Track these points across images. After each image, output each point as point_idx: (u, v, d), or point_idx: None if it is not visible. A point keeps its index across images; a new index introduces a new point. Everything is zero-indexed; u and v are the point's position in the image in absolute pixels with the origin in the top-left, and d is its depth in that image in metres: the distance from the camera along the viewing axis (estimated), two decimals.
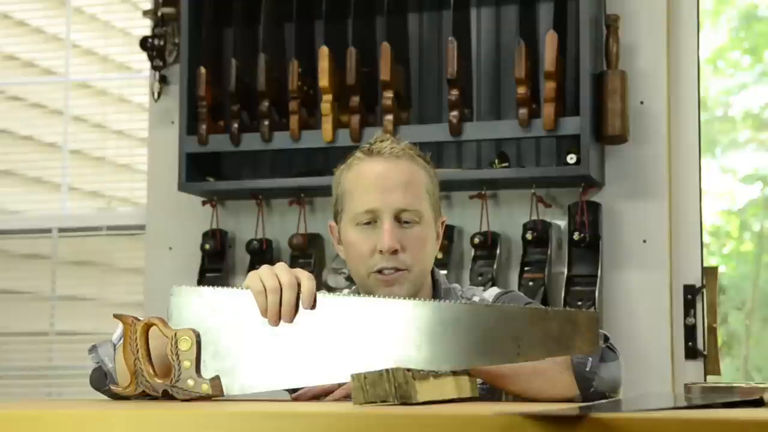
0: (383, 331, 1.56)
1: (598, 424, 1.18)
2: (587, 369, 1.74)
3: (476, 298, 1.99)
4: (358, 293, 1.99)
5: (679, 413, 1.27)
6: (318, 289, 1.62)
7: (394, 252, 1.87)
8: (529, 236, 3.21)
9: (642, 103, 3.25)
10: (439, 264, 3.10)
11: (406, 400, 1.42)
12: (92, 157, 3.99)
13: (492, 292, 2.01)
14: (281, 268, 1.63)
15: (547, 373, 1.71)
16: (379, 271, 1.88)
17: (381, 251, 1.87)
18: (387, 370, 1.44)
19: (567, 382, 1.74)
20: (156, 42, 3.56)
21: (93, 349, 1.89)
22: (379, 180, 1.89)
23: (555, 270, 3.23)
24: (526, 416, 1.18)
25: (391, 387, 1.43)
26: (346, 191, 1.93)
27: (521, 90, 3.10)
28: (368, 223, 1.89)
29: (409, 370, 1.44)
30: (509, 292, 2.02)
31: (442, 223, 2.00)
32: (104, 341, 1.89)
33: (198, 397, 1.63)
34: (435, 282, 2.00)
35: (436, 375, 1.48)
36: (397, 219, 1.88)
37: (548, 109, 3.07)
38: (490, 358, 1.51)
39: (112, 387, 1.71)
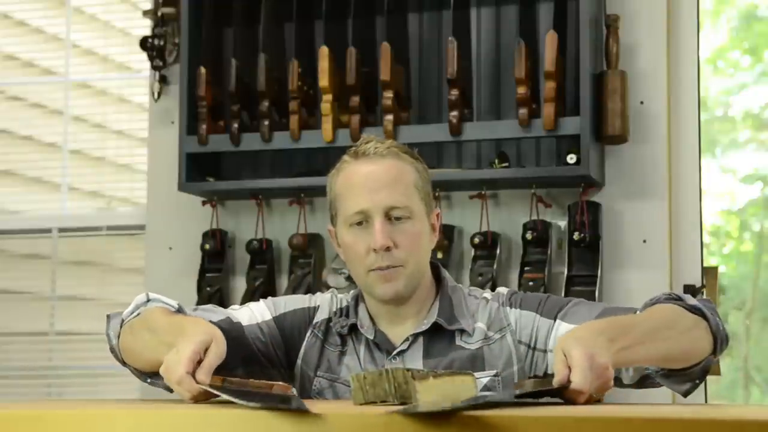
0: None
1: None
2: (721, 328, 1.80)
3: (486, 295, 2.00)
4: (358, 298, 2.00)
5: (699, 411, 1.27)
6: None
7: (387, 249, 1.89)
8: (529, 236, 3.21)
9: (642, 103, 3.25)
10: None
11: (405, 400, 1.42)
12: (92, 157, 3.99)
13: (503, 289, 2.01)
14: (174, 367, 1.62)
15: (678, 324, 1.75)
16: (376, 269, 1.90)
17: (375, 250, 1.89)
18: (387, 370, 1.44)
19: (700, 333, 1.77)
20: (156, 42, 3.56)
21: (108, 318, 1.93)
22: (367, 180, 1.91)
23: (555, 270, 3.23)
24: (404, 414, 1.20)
25: (391, 387, 1.43)
26: (337, 195, 1.96)
27: (521, 90, 3.10)
28: (360, 224, 1.92)
29: (408, 369, 1.44)
30: (518, 291, 2.02)
31: (437, 215, 2.01)
32: (117, 313, 1.94)
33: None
34: (441, 280, 2.00)
35: (436, 375, 1.48)
36: (388, 216, 1.90)
37: (548, 109, 3.07)
38: None
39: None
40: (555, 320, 1.90)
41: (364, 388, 1.45)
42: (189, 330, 1.69)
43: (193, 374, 1.60)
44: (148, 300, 1.92)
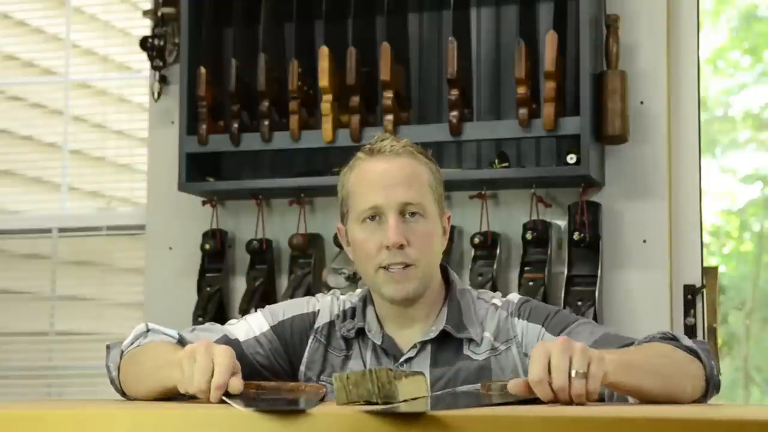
0: None
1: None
2: (715, 373, 1.73)
3: (496, 300, 1.97)
4: (366, 300, 1.98)
5: (675, 410, 1.27)
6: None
7: (401, 247, 1.87)
8: (529, 236, 3.21)
9: (642, 103, 3.25)
10: None
11: (389, 400, 1.42)
12: (92, 157, 3.99)
13: (514, 296, 1.98)
14: (198, 369, 1.59)
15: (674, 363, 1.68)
16: (387, 268, 1.88)
17: (387, 247, 1.87)
18: (370, 371, 1.44)
19: (694, 373, 1.71)
20: (156, 42, 3.56)
21: (107, 349, 1.91)
22: (382, 177, 1.90)
23: (555, 270, 3.23)
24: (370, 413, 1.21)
25: (374, 387, 1.43)
26: (350, 192, 1.94)
27: (521, 90, 3.10)
28: (373, 219, 1.89)
29: (391, 369, 1.44)
30: (530, 299, 1.98)
31: (448, 218, 1.99)
32: (117, 343, 1.90)
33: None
34: (450, 282, 1.98)
35: (407, 375, 1.48)
36: (402, 214, 1.89)
37: (548, 109, 3.07)
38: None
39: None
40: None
41: (347, 388, 1.45)
42: (203, 343, 1.64)
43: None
44: (148, 330, 1.87)
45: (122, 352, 1.86)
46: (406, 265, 1.88)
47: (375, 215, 1.89)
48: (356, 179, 1.93)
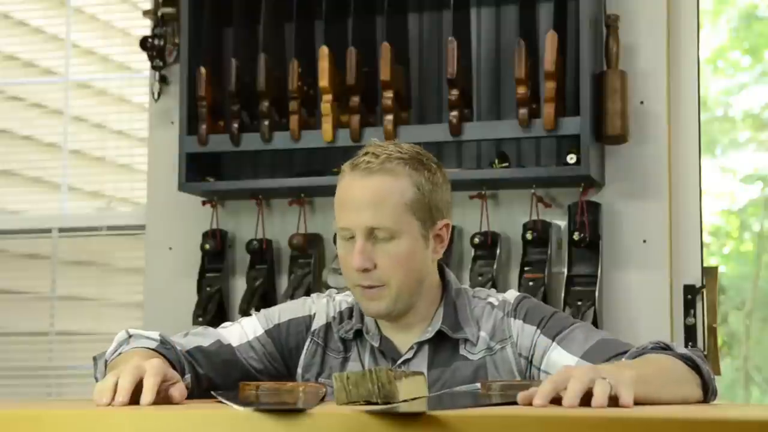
0: None
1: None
2: (712, 377, 1.72)
3: (492, 299, 1.96)
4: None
5: (672, 411, 1.27)
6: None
7: (366, 270, 1.86)
8: (529, 236, 3.21)
9: (642, 103, 3.25)
10: None
11: (389, 400, 1.42)
12: (92, 157, 3.99)
13: (511, 294, 1.98)
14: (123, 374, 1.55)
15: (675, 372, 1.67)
16: (360, 285, 1.89)
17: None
18: (370, 370, 1.44)
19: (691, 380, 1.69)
20: (156, 42, 3.56)
21: (94, 362, 1.89)
22: (352, 199, 1.88)
23: (555, 270, 3.23)
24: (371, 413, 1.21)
25: (374, 387, 1.43)
26: (334, 204, 1.93)
27: (521, 90, 3.10)
28: (349, 239, 1.89)
29: (391, 369, 1.44)
30: (528, 297, 1.98)
31: (446, 226, 1.95)
32: (102, 354, 1.88)
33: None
34: (446, 283, 1.98)
35: (407, 374, 1.48)
36: (371, 236, 1.87)
37: (548, 109, 3.07)
38: None
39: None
40: (553, 341, 1.86)
41: (347, 388, 1.45)
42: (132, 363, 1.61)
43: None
44: (130, 336, 1.84)
45: (106, 362, 1.83)
46: (376, 286, 1.87)
47: (349, 235, 1.89)
48: (337, 195, 1.92)
